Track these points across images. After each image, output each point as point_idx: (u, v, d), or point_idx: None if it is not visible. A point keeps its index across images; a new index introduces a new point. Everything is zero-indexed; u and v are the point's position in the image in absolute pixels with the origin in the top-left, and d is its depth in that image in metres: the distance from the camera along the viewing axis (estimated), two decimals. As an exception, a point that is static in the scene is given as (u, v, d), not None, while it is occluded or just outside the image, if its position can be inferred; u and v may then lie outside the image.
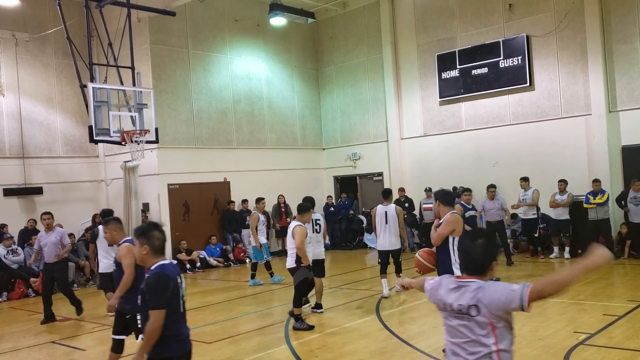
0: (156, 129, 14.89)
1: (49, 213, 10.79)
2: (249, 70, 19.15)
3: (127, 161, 15.59)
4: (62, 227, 12.14)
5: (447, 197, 7.29)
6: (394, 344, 7.70)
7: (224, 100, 18.29)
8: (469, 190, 13.68)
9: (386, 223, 10.71)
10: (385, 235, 10.76)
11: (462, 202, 12.88)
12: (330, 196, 20.64)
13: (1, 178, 15.45)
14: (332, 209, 19.68)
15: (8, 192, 15.56)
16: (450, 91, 17.88)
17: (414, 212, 17.59)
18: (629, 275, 12.10)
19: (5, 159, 15.67)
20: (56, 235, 10.60)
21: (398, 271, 10.95)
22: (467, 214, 12.24)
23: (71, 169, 16.86)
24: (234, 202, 17.74)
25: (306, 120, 20.96)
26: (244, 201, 17.90)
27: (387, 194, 11.10)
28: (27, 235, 14.92)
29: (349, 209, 19.70)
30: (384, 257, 10.90)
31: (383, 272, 10.91)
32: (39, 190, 16.01)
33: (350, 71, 20.54)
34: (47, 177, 16.31)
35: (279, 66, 20.14)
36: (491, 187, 14.39)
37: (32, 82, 16.38)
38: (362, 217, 19.27)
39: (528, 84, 16.36)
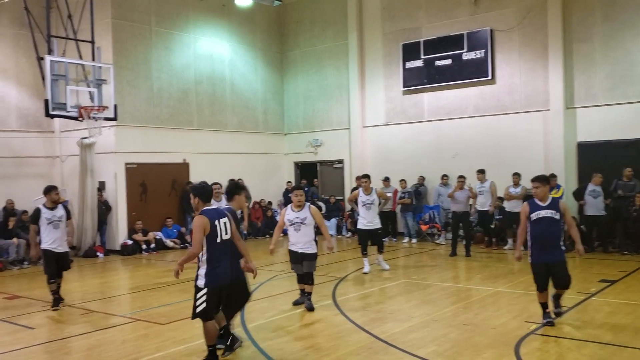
0: (115, 106, 14.60)
1: None
2: (212, 51, 18.86)
3: (84, 138, 15.25)
4: None
5: (204, 193, 6.30)
6: (350, 329, 7.74)
7: (185, 80, 17.98)
8: (542, 179, 7.74)
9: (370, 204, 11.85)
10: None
11: (534, 199, 7.72)
12: (289, 182, 20.59)
13: (-50, 150, 14.91)
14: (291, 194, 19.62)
15: (-44, 165, 15.03)
16: (414, 81, 18.00)
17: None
18: (579, 268, 12.43)
19: (-46, 130, 15.11)
20: None
21: (381, 247, 12.11)
22: (535, 216, 7.57)
23: (25, 144, 16.34)
24: (192, 183, 17.51)
25: (268, 105, 20.79)
26: (216, 183, 17.66)
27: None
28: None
29: (308, 195, 19.67)
30: (365, 236, 11.95)
31: (364, 251, 11.90)
32: (-11, 164, 15.51)
33: (315, 57, 20.44)
34: (-2, 150, 15.79)
35: (243, 48, 19.90)
36: (460, 177, 14.28)
37: (-14, 52, 15.80)
38: (321, 203, 19.27)
39: (490, 78, 16.59)
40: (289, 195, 9.70)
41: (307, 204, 8.97)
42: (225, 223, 6.27)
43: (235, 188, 7.50)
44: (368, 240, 11.93)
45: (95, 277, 12.95)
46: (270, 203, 19.92)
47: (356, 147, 19.34)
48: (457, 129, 17.28)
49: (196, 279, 6.25)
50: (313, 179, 20.59)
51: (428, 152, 17.77)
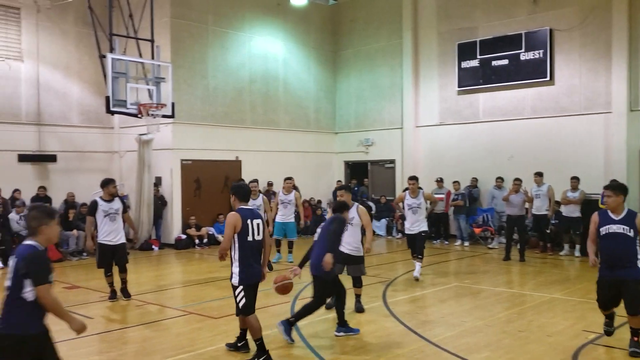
0: (172, 104, 14.90)
1: None
2: (267, 50, 19.04)
3: (142, 134, 15.63)
4: None
5: (242, 192, 6.59)
6: (401, 332, 7.69)
7: (240, 79, 18.21)
8: (615, 187, 6.79)
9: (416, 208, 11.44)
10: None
11: (606, 210, 6.73)
12: (339, 181, 20.57)
13: (16, 144, 15.54)
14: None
15: (22, 158, 15.65)
16: (469, 81, 17.72)
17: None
18: None
19: (21, 125, 15.74)
20: None
21: (419, 253, 11.31)
22: (604, 230, 6.63)
23: (86, 139, 16.90)
24: (243, 180, 17.71)
25: (320, 103, 20.86)
26: (254, 181, 17.89)
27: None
28: (38, 202, 14.98)
29: (357, 195, 19.59)
30: (412, 240, 11.51)
31: (413, 253, 11.53)
32: (52, 158, 16.10)
33: (369, 56, 20.37)
34: (61, 145, 16.38)
35: (297, 47, 20.01)
36: (517, 180, 13.84)
37: (52, 49, 16.38)
38: (371, 203, 19.18)
39: (548, 79, 16.16)
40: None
41: (356, 204, 8.79)
42: (258, 224, 6.42)
43: (345, 206, 7.81)
44: (415, 243, 11.60)
45: (150, 269, 13.28)
46: (319, 202, 19.97)
47: (408, 147, 19.17)
48: (513, 130, 16.90)
49: (230, 277, 6.41)
50: (363, 179, 20.52)
51: (482, 153, 17.45)
